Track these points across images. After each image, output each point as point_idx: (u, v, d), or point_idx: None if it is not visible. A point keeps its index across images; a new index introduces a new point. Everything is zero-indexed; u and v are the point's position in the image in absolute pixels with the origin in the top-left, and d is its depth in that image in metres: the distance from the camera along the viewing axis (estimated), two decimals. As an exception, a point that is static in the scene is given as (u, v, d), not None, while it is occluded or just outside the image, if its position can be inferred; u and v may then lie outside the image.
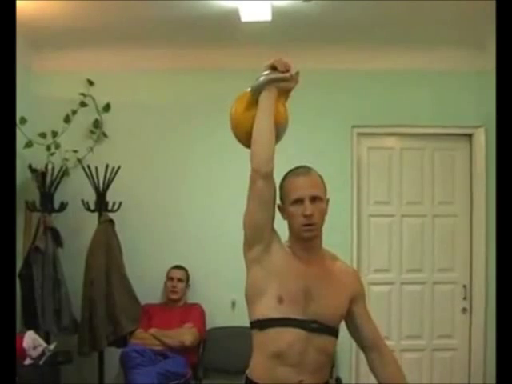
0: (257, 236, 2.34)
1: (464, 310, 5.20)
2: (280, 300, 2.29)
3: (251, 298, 2.38)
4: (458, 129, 5.22)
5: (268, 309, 2.31)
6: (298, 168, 2.44)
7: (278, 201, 2.41)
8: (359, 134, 5.24)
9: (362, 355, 4.61)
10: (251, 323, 2.38)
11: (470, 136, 5.23)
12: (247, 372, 2.40)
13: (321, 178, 2.43)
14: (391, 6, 4.27)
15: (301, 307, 2.31)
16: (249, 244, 2.37)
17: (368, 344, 2.47)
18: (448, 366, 5.19)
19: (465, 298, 5.20)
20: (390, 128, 5.24)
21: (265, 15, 4.32)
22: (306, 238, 2.37)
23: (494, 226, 4.85)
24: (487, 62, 4.88)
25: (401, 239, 5.26)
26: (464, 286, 5.21)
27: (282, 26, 4.60)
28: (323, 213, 2.38)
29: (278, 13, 4.32)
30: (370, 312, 2.51)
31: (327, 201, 2.41)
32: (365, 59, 5.15)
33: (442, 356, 5.19)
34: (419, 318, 5.22)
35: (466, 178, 5.24)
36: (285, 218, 2.40)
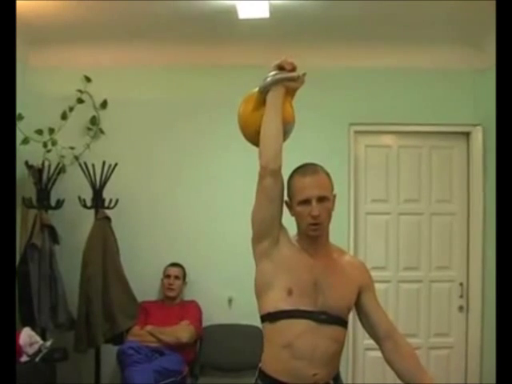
0: (265, 231, 2.40)
1: (461, 308, 5.20)
2: (289, 292, 2.35)
3: (260, 292, 2.43)
4: (455, 127, 5.22)
5: (278, 301, 2.36)
6: (305, 166, 2.48)
7: (285, 197, 2.46)
8: (356, 132, 5.23)
9: (358, 349, 4.67)
10: (262, 317, 2.43)
11: (467, 134, 5.23)
12: (260, 365, 2.44)
13: (327, 174, 2.48)
14: (389, 4, 4.26)
15: (310, 299, 2.36)
16: (257, 238, 2.43)
17: (381, 334, 2.47)
18: (444, 365, 5.18)
19: (461, 296, 5.21)
20: (387, 126, 5.24)
21: (262, 12, 4.31)
22: (313, 237, 2.43)
23: (491, 224, 4.87)
24: (485, 60, 4.89)
25: (398, 237, 5.27)
26: (461, 284, 5.22)
27: (280, 24, 4.59)
28: (330, 212, 2.45)
29: (275, 10, 4.31)
30: (379, 303, 2.55)
31: (334, 196, 2.47)
32: (362, 57, 5.14)
33: (438, 354, 5.19)
34: (416, 316, 5.22)
35: (464, 177, 5.25)
36: (292, 215, 2.47)
